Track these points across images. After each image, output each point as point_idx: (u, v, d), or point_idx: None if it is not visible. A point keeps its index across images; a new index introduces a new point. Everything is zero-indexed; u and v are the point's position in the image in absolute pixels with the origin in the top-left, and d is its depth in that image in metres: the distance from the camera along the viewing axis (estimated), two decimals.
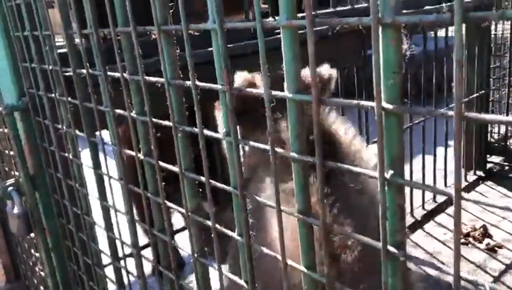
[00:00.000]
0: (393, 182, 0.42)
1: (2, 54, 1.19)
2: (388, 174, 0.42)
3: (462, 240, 2.43)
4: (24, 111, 1.20)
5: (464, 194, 0.37)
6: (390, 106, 0.40)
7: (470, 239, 2.46)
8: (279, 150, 0.52)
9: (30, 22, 1.04)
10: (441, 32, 3.13)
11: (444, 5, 0.41)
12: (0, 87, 1.28)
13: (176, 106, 0.67)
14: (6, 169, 1.57)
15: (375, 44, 0.39)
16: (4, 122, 1.41)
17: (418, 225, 2.64)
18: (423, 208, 2.75)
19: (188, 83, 0.62)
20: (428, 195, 2.80)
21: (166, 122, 0.69)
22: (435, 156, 2.76)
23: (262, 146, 0.54)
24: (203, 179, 0.65)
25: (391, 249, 0.44)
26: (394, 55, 0.39)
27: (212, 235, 0.67)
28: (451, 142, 2.93)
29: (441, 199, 2.84)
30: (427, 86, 2.58)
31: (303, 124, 0.50)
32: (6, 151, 1.50)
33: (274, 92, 0.50)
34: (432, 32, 2.73)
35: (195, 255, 0.73)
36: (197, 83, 0.61)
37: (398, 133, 0.41)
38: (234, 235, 0.63)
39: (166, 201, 0.77)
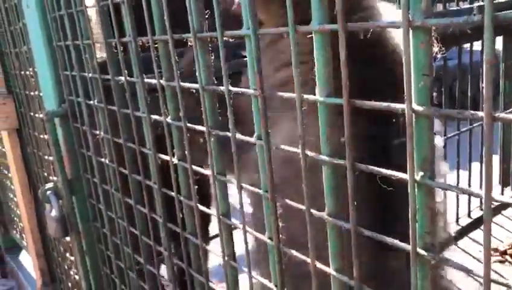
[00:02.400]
0: (424, 183, 0.42)
1: (44, 62, 1.24)
2: (418, 175, 0.42)
3: (499, 258, 2.36)
4: (63, 117, 1.25)
5: (498, 198, 0.37)
6: (420, 108, 0.41)
7: (507, 257, 2.38)
8: (310, 153, 0.53)
9: (72, 32, 1.09)
10: (477, 46, 3.07)
11: (475, 5, 0.41)
12: (42, 94, 1.33)
13: (210, 111, 0.69)
14: (46, 174, 1.63)
15: (406, 46, 0.40)
16: (44, 129, 1.47)
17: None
18: (457, 223, 2.69)
19: (222, 88, 0.64)
20: (463, 211, 2.74)
21: (200, 127, 0.71)
22: (469, 171, 2.70)
23: (294, 149, 0.55)
24: (234, 182, 0.67)
25: (420, 251, 0.44)
26: (424, 58, 0.40)
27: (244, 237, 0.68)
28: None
29: (476, 214, 2.77)
30: (462, 99, 2.54)
31: (334, 127, 0.51)
32: (46, 157, 1.56)
33: (306, 96, 0.51)
34: (468, 45, 2.69)
35: (226, 258, 0.74)
36: (231, 88, 0.62)
37: (428, 135, 0.41)
38: (265, 238, 0.64)
39: (198, 204, 0.78)
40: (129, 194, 1.04)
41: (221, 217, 0.73)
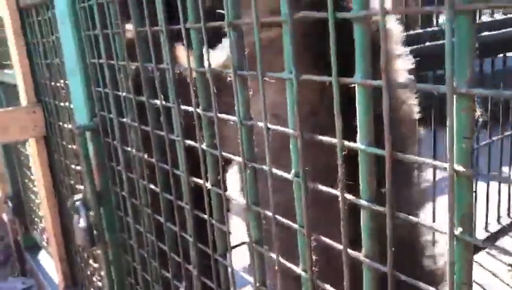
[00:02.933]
0: (462, 239, 0.44)
1: (77, 77, 1.28)
2: (457, 231, 0.45)
3: None
4: (94, 131, 1.29)
5: None
6: (461, 169, 0.43)
7: None
8: (349, 196, 0.55)
9: (106, 51, 1.12)
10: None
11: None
12: (73, 107, 1.37)
13: (246, 144, 0.72)
14: (72, 182, 1.67)
15: (450, 110, 0.42)
16: (73, 140, 1.51)
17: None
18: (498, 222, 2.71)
19: (261, 124, 0.66)
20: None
21: (237, 158, 0.74)
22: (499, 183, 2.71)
23: (331, 191, 0.57)
24: (269, 214, 0.69)
25: None
26: (466, 122, 0.42)
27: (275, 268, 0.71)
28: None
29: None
30: (506, 105, 2.55)
31: (374, 175, 0.53)
32: (73, 166, 1.60)
33: (347, 143, 0.54)
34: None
35: (257, 284, 0.77)
36: (269, 125, 0.65)
37: (468, 193, 0.44)
38: (299, 270, 0.67)
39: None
40: (159, 210, 1.07)
41: (254, 244, 0.76)
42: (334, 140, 0.55)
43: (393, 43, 0.99)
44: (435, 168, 0.49)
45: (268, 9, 0.84)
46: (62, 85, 1.49)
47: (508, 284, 2.35)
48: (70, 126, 1.52)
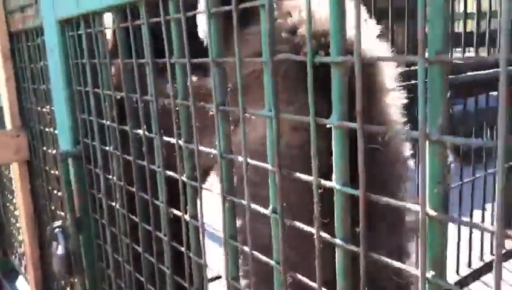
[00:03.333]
0: (434, 282, 0.44)
1: (62, 103, 1.28)
2: (429, 274, 0.45)
3: None
4: (77, 158, 1.28)
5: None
6: (434, 213, 0.43)
7: None
8: (324, 234, 0.55)
9: (93, 80, 1.13)
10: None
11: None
12: (58, 132, 1.37)
13: (226, 177, 0.72)
14: (53, 207, 1.65)
15: (422, 156, 0.43)
16: (56, 165, 1.50)
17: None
18: (469, 266, 2.71)
19: (240, 158, 0.66)
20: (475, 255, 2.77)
21: (215, 191, 0.74)
22: (483, 213, 2.73)
23: (308, 228, 0.57)
24: (246, 249, 0.69)
25: None
26: (439, 168, 0.43)
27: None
28: (487, 205, 2.90)
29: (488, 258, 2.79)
30: (478, 147, 2.59)
31: (349, 214, 0.53)
32: (55, 192, 1.58)
33: (323, 181, 0.54)
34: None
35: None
36: (249, 161, 0.65)
37: (440, 237, 0.44)
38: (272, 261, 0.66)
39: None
40: (137, 239, 1.06)
41: (230, 280, 0.75)
42: (310, 178, 0.55)
43: (385, 77, 1.00)
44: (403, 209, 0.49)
45: (252, 51, 0.85)
46: (48, 111, 1.49)
47: None
48: (53, 151, 1.51)
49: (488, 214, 2.86)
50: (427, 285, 0.45)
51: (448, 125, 0.42)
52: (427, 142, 0.43)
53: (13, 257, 2.83)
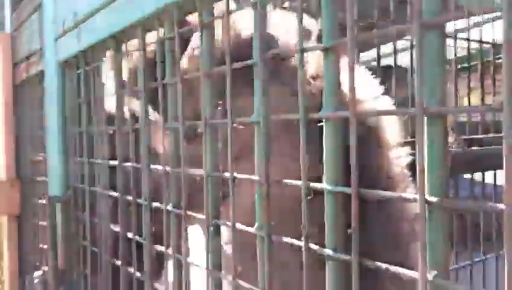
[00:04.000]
0: (437, 283, 0.38)
1: (55, 147, 1.25)
2: (431, 275, 0.38)
3: None
4: (65, 203, 1.22)
5: None
6: (434, 199, 0.38)
7: None
8: (313, 246, 0.49)
9: (88, 119, 1.11)
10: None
11: None
12: (48, 179, 1.33)
13: (212, 199, 0.67)
14: (37, 263, 1.56)
15: (420, 136, 0.38)
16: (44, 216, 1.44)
17: None
18: None
19: (226, 174, 0.62)
20: None
21: (199, 215, 0.68)
22: None
23: (295, 242, 0.51)
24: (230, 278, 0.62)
25: None
26: (439, 147, 0.38)
27: None
28: None
29: None
30: (475, 231, 2.48)
31: (341, 218, 0.48)
32: (40, 245, 1.51)
33: (312, 184, 0.49)
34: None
35: None
36: (236, 175, 0.60)
37: (443, 230, 0.38)
38: None
39: None
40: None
41: None
42: (298, 182, 0.50)
43: (389, 134, 0.97)
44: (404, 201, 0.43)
45: None
46: (41, 158, 1.45)
47: None
48: (44, 201, 1.46)
49: None
50: (428, 287, 0.39)
51: (446, 98, 0.38)
52: (425, 118, 0.38)
53: None
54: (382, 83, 1.02)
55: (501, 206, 0.33)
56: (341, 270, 0.47)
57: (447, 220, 0.38)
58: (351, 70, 0.43)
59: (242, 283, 0.61)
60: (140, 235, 0.87)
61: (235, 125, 0.60)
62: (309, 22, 0.93)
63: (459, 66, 2.41)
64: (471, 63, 2.35)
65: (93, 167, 1.09)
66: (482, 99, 2.17)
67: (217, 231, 0.67)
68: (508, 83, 0.31)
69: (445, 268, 0.38)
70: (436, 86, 0.38)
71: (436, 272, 0.38)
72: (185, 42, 1.02)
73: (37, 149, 1.52)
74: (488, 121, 2.64)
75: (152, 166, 0.83)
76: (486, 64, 2.44)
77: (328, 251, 0.48)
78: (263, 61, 0.54)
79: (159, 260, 0.84)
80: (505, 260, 0.33)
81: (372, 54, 2.35)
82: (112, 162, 0.97)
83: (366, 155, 0.86)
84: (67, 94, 1.22)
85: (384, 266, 0.42)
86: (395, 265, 0.40)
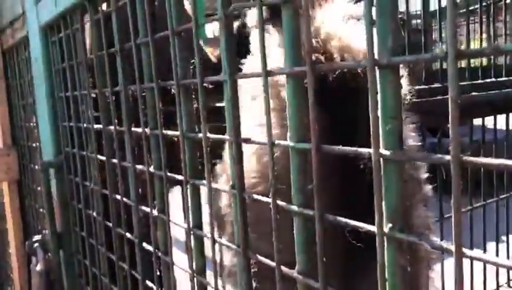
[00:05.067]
0: (393, 237, 0.38)
1: (45, 113, 1.25)
2: (387, 227, 0.38)
3: None
4: (59, 168, 1.23)
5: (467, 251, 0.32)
6: (388, 152, 0.37)
7: None
8: (281, 203, 0.49)
9: (72, 83, 1.10)
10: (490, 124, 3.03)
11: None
12: (41, 145, 1.33)
13: (189, 159, 0.67)
14: (39, 228, 1.60)
15: (372, 87, 0.38)
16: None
17: None
18: None
19: (200, 135, 0.61)
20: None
21: (179, 177, 0.69)
22: (497, 242, 2.61)
23: (265, 199, 0.51)
24: (209, 235, 0.63)
25: None
26: (392, 99, 0.37)
27: None
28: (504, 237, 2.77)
29: None
30: (477, 177, 2.49)
31: (306, 174, 0.47)
32: (41, 210, 1.54)
33: (277, 141, 0.49)
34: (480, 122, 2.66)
35: None
36: (209, 135, 0.60)
37: (397, 182, 0.38)
38: None
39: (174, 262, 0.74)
40: (113, 248, 1.00)
41: (195, 275, 0.68)
42: (264, 141, 0.50)
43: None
44: (359, 156, 0.42)
45: None
46: (34, 124, 1.46)
47: None
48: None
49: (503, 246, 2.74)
50: (385, 241, 0.39)
51: (399, 49, 0.37)
52: (376, 70, 0.37)
53: (8, 288, 2.76)
54: None
55: (447, 157, 0.33)
56: (306, 225, 0.47)
57: (401, 173, 0.38)
58: (306, 18, 0.42)
59: (223, 241, 0.62)
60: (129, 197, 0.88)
61: (205, 84, 0.60)
62: None
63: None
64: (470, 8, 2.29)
65: (81, 131, 1.09)
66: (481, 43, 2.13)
67: (195, 191, 0.68)
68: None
69: (401, 221, 0.38)
70: (388, 37, 0.37)
71: (391, 224, 0.38)
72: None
73: (29, 115, 1.52)
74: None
75: (133, 129, 0.83)
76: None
77: (294, 207, 0.48)
78: (224, 18, 0.53)
79: (147, 221, 0.85)
80: (452, 208, 0.33)
81: None
82: (97, 126, 0.98)
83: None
84: (52, 58, 1.20)
85: (343, 220, 0.42)
86: None
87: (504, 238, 2.78)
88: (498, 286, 2.70)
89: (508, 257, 2.80)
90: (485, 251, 2.66)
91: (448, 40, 0.31)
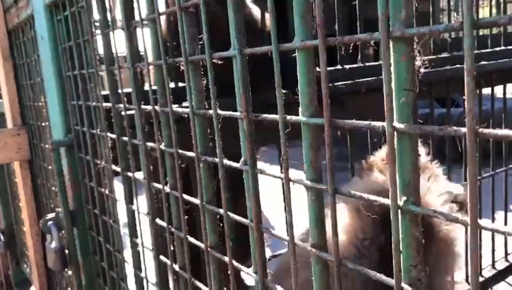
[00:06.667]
0: (407, 210, 0.38)
1: (54, 92, 1.25)
2: (401, 201, 0.38)
3: None
4: (69, 147, 1.24)
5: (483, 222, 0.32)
6: (402, 126, 0.37)
7: None
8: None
9: (79, 62, 1.10)
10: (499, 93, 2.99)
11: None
12: (50, 124, 1.34)
13: (200, 136, 0.67)
14: (52, 206, 1.62)
15: (386, 60, 0.37)
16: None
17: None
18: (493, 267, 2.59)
19: (210, 112, 0.61)
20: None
21: (190, 153, 0.69)
22: (506, 211, 2.61)
23: (277, 175, 0.52)
24: (222, 211, 0.63)
25: (405, 287, 0.39)
26: (406, 72, 0.37)
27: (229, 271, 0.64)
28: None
29: None
30: (485, 146, 2.48)
31: (318, 149, 0.47)
32: (53, 188, 1.55)
33: (289, 117, 0.49)
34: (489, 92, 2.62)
35: None
36: (219, 111, 0.60)
37: (411, 155, 0.38)
38: (251, 273, 0.60)
39: (188, 236, 0.75)
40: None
41: (209, 249, 0.69)
42: (276, 117, 0.50)
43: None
44: (370, 130, 0.43)
45: None
46: (43, 104, 1.46)
47: None
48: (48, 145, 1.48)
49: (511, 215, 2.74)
50: (399, 214, 0.39)
51: (411, 22, 0.36)
52: (390, 42, 0.37)
53: (24, 265, 2.81)
54: None
55: (463, 130, 0.32)
56: (318, 200, 0.48)
57: (415, 146, 0.38)
58: None
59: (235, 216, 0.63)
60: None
61: (214, 60, 0.59)
62: None
63: None
64: None
65: (90, 109, 1.09)
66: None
67: (208, 167, 0.68)
68: None
69: (415, 194, 0.38)
70: (401, 8, 0.36)
71: (405, 197, 0.38)
72: None
73: (38, 95, 1.52)
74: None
75: (143, 106, 0.83)
76: None
77: (307, 182, 0.48)
78: None
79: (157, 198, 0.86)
80: (467, 177, 0.33)
81: None
82: (106, 104, 0.98)
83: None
84: (58, 37, 1.20)
85: (358, 194, 0.42)
86: None
87: None
88: (506, 254, 2.71)
89: None
90: (493, 220, 2.67)
91: (465, 11, 0.31)
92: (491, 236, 2.57)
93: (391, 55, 0.37)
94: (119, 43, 0.89)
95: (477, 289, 0.34)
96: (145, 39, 0.78)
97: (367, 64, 1.62)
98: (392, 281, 0.40)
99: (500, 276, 2.58)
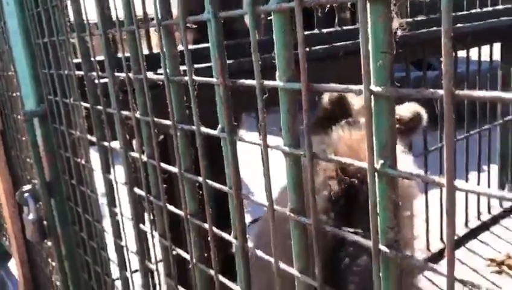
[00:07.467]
0: (384, 172, 0.38)
1: (23, 61, 1.21)
2: (378, 164, 0.39)
3: (496, 269, 2.31)
4: (42, 117, 1.21)
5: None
6: (379, 89, 0.37)
7: (504, 267, 2.33)
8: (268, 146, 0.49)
9: (49, 29, 1.06)
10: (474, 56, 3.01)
11: None
12: (22, 94, 1.30)
13: (176, 104, 0.66)
14: (28, 177, 1.59)
15: (363, 21, 0.37)
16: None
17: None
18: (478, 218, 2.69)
19: (186, 78, 0.60)
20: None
21: (166, 122, 0.68)
22: (478, 172, 2.68)
23: (255, 142, 0.51)
24: (200, 179, 0.63)
25: (383, 248, 0.40)
26: (383, 34, 0.37)
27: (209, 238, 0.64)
28: (485, 167, 2.84)
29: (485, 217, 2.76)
30: (459, 109, 2.51)
31: (295, 115, 0.47)
32: (28, 160, 1.52)
33: (266, 82, 0.48)
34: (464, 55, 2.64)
35: (194, 260, 0.70)
36: (194, 77, 0.59)
37: (388, 118, 0.38)
38: (231, 238, 0.61)
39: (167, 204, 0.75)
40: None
41: (189, 216, 0.69)
42: (253, 82, 0.49)
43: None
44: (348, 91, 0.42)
45: None
46: (13, 73, 1.42)
47: (490, 280, 2.30)
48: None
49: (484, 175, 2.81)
50: (376, 177, 0.39)
51: None
52: (367, 3, 0.36)
53: (4, 238, 2.79)
54: None
55: (440, 92, 0.32)
56: (296, 165, 0.48)
57: (392, 109, 0.38)
58: None
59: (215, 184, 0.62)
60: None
61: (188, 25, 0.58)
62: None
63: None
64: None
65: (63, 78, 1.06)
66: None
67: (185, 135, 0.67)
68: None
69: (392, 157, 0.38)
70: None
71: (382, 161, 0.38)
72: None
73: (7, 64, 1.47)
74: None
75: (116, 73, 0.81)
76: None
77: (284, 148, 0.48)
78: None
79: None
80: (444, 139, 0.33)
81: None
82: (78, 73, 0.95)
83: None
84: (25, 2, 1.15)
85: (335, 158, 0.42)
86: None
87: (485, 167, 2.84)
88: (479, 213, 2.79)
89: (488, 186, 2.88)
90: (467, 180, 2.73)
91: None
92: (464, 196, 2.65)
93: (368, 16, 0.36)
94: (90, 8, 0.86)
95: (453, 248, 0.35)
96: (116, 4, 0.76)
97: (344, 28, 1.61)
98: (369, 243, 0.41)
99: (472, 234, 2.67)
